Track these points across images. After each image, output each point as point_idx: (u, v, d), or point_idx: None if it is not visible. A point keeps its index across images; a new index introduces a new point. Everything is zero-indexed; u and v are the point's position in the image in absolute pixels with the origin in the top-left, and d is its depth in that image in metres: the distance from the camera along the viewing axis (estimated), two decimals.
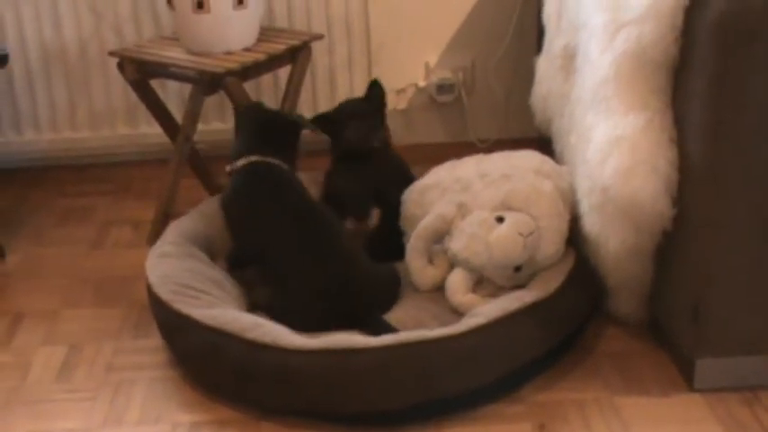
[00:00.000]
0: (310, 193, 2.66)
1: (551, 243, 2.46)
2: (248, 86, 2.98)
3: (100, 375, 2.44)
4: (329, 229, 2.54)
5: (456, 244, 2.50)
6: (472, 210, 2.52)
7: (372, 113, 2.88)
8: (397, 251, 2.63)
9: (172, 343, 2.45)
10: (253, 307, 2.49)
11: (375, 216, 2.74)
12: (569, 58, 2.70)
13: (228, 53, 2.93)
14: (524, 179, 2.54)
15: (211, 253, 2.67)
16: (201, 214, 2.77)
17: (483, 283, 2.50)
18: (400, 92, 3.55)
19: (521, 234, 2.42)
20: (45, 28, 3.39)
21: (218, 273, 2.57)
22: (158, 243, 2.65)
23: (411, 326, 2.35)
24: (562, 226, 2.49)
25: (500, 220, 2.46)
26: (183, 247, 2.60)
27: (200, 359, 2.35)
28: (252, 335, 2.25)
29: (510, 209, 2.48)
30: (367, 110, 2.88)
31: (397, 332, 2.30)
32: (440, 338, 2.23)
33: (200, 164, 3.23)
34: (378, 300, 2.48)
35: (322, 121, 2.87)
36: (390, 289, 2.55)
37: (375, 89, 2.91)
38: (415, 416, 2.23)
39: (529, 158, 2.65)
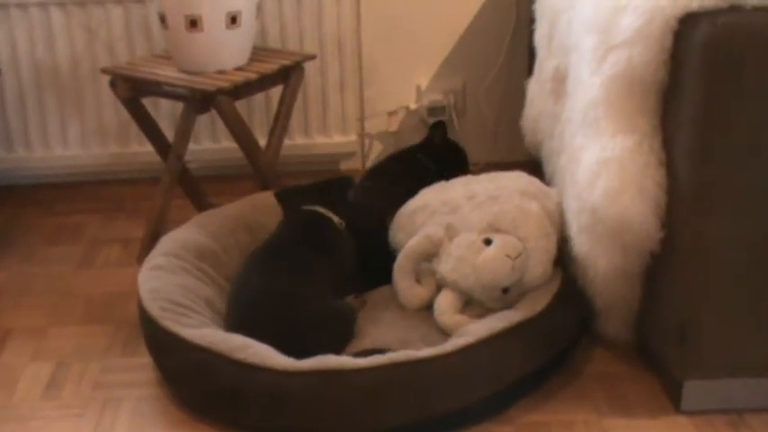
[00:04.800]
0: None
1: (539, 264, 2.47)
2: (240, 105, 2.99)
3: (87, 393, 2.43)
4: (281, 266, 2.50)
5: (444, 266, 2.50)
6: (460, 232, 2.53)
7: None
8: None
9: (160, 361, 2.44)
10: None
11: None
12: (560, 81, 2.71)
13: (221, 72, 2.93)
14: (511, 200, 2.54)
15: (205, 263, 2.65)
16: (196, 225, 2.75)
17: (471, 305, 2.50)
18: (392, 114, 3.56)
19: (509, 256, 2.42)
20: (37, 45, 3.40)
21: (209, 290, 2.57)
22: (151, 254, 2.64)
23: (398, 347, 2.34)
24: (550, 247, 2.50)
25: (488, 242, 2.46)
26: (176, 260, 2.59)
27: (188, 378, 2.34)
28: (241, 355, 2.24)
29: (497, 231, 2.49)
30: None
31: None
32: (428, 358, 2.23)
33: (191, 183, 3.22)
34: (324, 339, 2.40)
35: None
36: (339, 328, 2.47)
37: None
38: None
39: (515, 180, 2.66)
